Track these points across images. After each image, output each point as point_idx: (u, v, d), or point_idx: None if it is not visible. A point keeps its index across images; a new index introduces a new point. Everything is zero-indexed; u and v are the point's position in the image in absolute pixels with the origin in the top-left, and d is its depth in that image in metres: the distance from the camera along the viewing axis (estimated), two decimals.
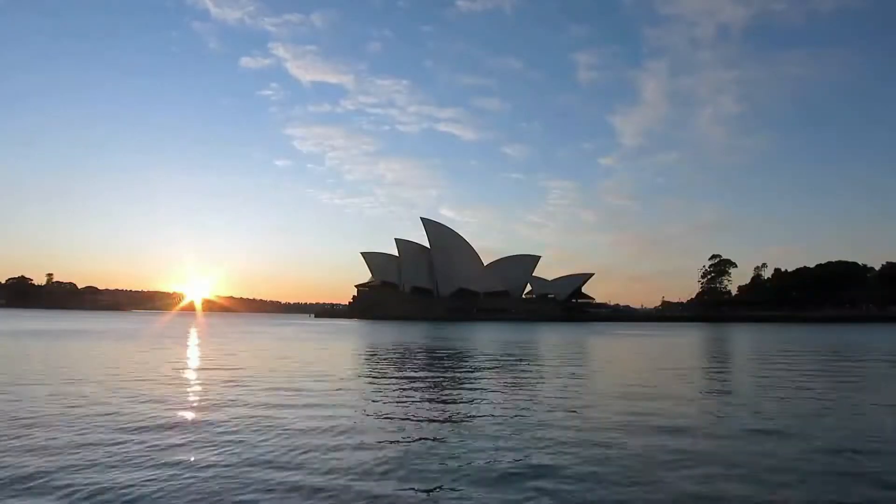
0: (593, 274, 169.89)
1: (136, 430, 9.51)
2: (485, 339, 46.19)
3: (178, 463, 7.57)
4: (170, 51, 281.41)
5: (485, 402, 13.31)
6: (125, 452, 8.05)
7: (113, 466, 7.37)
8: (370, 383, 17.03)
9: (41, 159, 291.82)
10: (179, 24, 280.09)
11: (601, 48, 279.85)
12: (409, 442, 9.11)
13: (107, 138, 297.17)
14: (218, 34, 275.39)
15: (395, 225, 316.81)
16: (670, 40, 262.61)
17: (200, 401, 13.03)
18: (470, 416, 11.41)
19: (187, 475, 7.04)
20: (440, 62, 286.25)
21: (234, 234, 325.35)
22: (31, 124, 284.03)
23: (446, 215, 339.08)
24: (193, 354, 27.96)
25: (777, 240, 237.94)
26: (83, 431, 9.34)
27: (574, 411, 12.05)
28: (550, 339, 48.12)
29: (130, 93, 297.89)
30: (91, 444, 8.53)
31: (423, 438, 9.35)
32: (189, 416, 11.09)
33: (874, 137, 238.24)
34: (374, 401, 13.42)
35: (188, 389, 15.13)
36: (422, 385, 16.49)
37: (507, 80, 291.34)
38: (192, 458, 7.81)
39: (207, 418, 10.71)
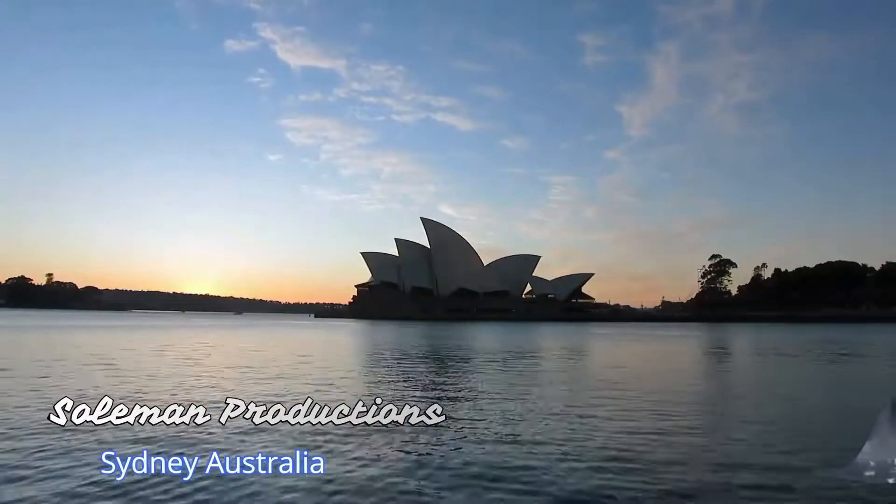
0: (593, 274, 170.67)
1: None
2: (482, 341, 46.17)
3: None
4: (150, 34, 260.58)
5: (479, 405, 13.33)
6: None
7: None
8: (369, 385, 17.06)
9: (40, 159, 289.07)
10: (160, 2, 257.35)
11: (609, 28, 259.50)
12: (406, 444, 9.14)
13: (104, 137, 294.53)
14: (200, 14, 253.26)
15: (393, 222, 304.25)
16: (685, 18, 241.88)
17: None
18: (463, 420, 11.45)
19: None
20: (436, 45, 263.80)
21: (232, 234, 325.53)
22: (27, 123, 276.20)
23: (445, 213, 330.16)
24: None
25: (777, 240, 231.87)
26: None
27: (567, 416, 12.08)
28: (548, 342, 48.11)
29: (117, 86, 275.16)
30: None
31: (421, 441, 9.37)
32: None
33: (886, 131, 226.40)
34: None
35: None
36: (419, 387, 16.53)
37: (507, 65, 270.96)
38: None
39: None
